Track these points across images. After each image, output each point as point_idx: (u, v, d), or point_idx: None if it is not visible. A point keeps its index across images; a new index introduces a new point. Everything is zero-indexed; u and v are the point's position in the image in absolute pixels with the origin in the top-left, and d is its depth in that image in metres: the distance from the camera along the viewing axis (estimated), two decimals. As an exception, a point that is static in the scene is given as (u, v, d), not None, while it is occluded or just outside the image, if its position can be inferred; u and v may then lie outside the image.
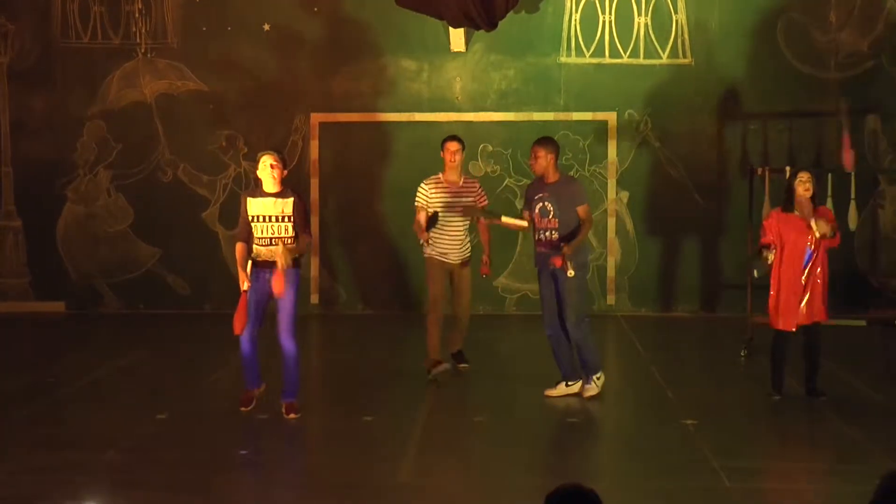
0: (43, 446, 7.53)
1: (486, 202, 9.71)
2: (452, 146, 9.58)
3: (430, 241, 9.47)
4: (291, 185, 8.42)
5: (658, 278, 13.09)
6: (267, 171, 8.03)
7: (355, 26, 13.08)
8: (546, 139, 8.99)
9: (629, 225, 13.06)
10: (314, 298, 13.13)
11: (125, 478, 6.88)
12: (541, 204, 8.70)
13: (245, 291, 8.00)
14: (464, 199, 9.52)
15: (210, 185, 13.14)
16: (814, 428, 8.12)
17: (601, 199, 13.02)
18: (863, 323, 11.87)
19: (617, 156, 12.99)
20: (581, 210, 8.70)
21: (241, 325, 8.03)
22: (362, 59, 13.12)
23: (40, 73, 13.24)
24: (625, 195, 13.04)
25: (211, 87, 13.14)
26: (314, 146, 13.13)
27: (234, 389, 8.37)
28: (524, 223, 8.85)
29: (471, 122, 12.98)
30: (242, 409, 8.21)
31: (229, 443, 7.73)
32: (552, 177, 8.76)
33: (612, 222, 13.03)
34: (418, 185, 9.64)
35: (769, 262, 8.57)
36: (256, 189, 8.16)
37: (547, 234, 8.69)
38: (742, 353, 10.40)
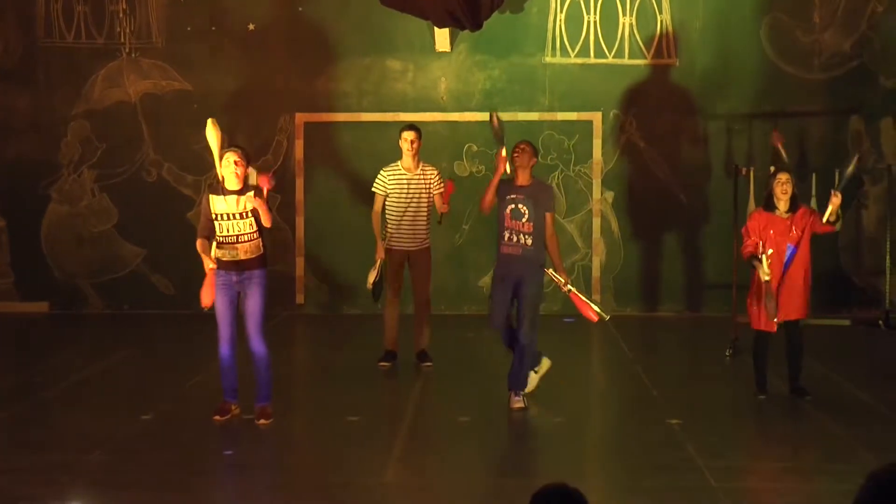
0: (27, 447, 7.50)
1: (441, 189, 9.79)
2: (409, 135, 9.90)
3: (385, 231, 9.87)
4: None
5: (643, 278, 13.11)
6: (230, 168, 7.87)
7: (340, 26, 13.07)
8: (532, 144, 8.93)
9: (614, 225, 13.08)
10: (299, 298, 13.11)
11: (110, 479, 6.86)
12: (513, 206, 8.43)
13: (211, 269, 7.89)
14: (418, 186, 9.81)
15: (195, 184, 13.11)
16: (799, 427, 8.15)
17: (586, 199, 13.05)
18: (847, 322, 11.93)
19: (602, 156, 13.01)
20: (550, 217, 8.52)
21: (208, 297, 7.95)
22: (347, 58, 13.11)
23: (24, 73, 13.19)
24: (610, 195, 13.06)
25: (195, 86, 13.11)
26: (299, 146, 13.12)
27: (220, 390, 8.33)
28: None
29: (456, 123, 12.99)
30: (216, 417, 8.05)
31: (215, 443, 7.72)
32: (527, 179, 8.53)
33: (597, 222, 13.05)
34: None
35: (766, 266, 8.51)
36: (219, 186, 7.98)
37: (518, 237, 8.40)
38: (727, 353, 10.42)
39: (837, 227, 8.77)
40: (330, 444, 7.74)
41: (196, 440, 7.79)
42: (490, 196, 8.55)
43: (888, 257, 11.71)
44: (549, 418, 8.34)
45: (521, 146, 8.62)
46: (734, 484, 6.88)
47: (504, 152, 8.56)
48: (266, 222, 7.92)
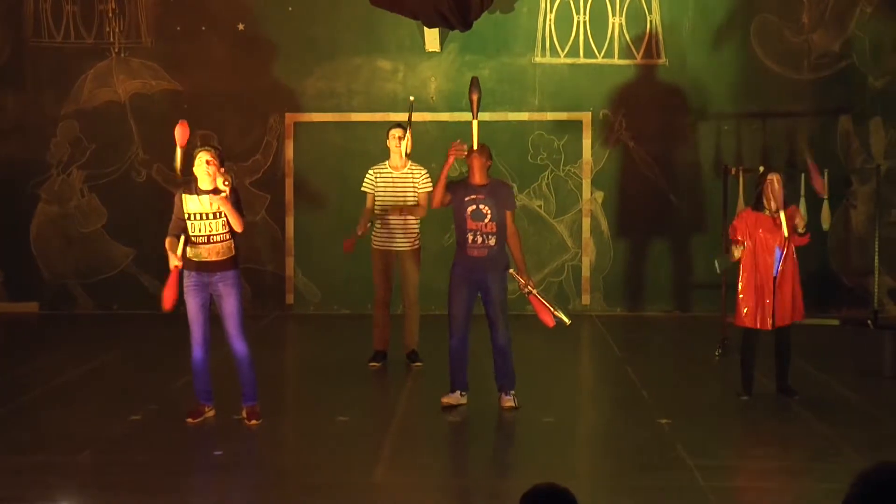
0: (15, 448, 7.48)
1: (428, 188, 9.74)
2: (397, 132, 9.97)
3: (374, 231, 9.90)
4: (234, 184, 8.25)
5: (633, 278, 13.12)
6: (203, 167, 7.82)
7: (330, 26, 13.07)
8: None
9: (604, 225, 13.09)
10: (289, 298, 13.10)
11: (99, 479, 6.85)
12: (474, 206, 8.19)
13: (175, 268, 7.83)
14: (404, 185, 9.84)
15: (184, 184, 13.05)
16: (787, 426, 8.16)
17: (576, 199, 13.06)
18: (836, 322, 11.96)
19: (591, 156, 13.03)
20: (510, 215, 8.31)
21: (170, 300, 7.90)
22: (337, 58, 13.11)
23: (12, 73, 13.15)
24: (599, 195, 13.07)
25: (185, 86, 13.09)
26: (289, 146, 13.10)
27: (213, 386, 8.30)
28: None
29: (446, 123, 12.99)
30: (189, 420, 8.00)
31: (204, 444, 7.71)
32: (484, 179, 8.29)
33: (586, 222, 13.06)
34: None
35: (735, 258, 8.61)
36: (192, 186, 7.91)
37: (481, 238, 8.20)
38: (716, 353, 10.43)
39: (807, 237, 8.75)
40: (319, 444, 7.73)
41: (185, 440, 7.78)
42: (440, 190, 8.29)
43: (877, 257, 11.74)
44: (538, 418, 8.34)
45: (486, 150, 8.44)
46: (723, 483, 6.89)
47: (461, 143, 8.37)
48: (236, 226, 7.79)
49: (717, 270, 9.44)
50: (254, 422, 7.96)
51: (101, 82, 13.15)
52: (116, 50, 13.13)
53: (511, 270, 8.38)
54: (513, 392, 8.37)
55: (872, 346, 9.86)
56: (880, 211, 11.92)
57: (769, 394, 8.85)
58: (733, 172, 11.03)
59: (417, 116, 12.76)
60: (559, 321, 8.33)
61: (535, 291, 8.36)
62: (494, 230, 8.20)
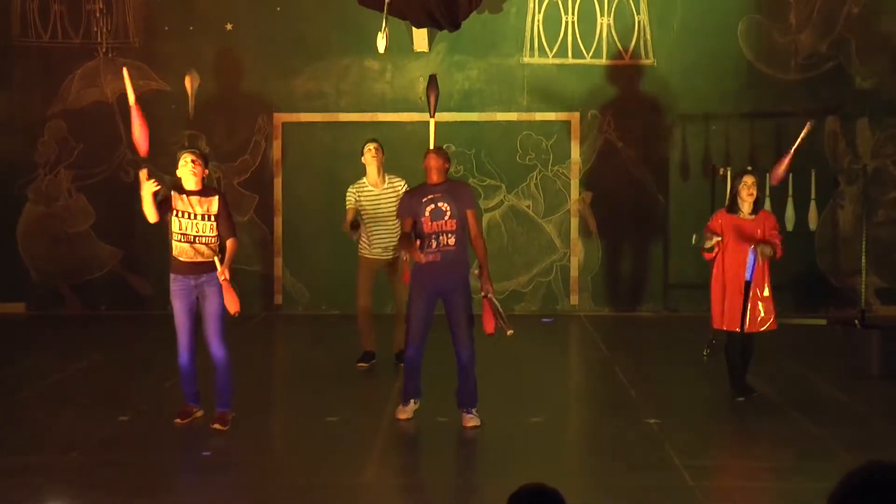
0: (3, 448, 7.46)
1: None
2: (372, 145, 9.93)
3: (362, 241, 9.89)
4: (215, 183, 8.22)
5: (621, 278, 13.14)
6: (188, 168, 7.79)
7: (318, 26, 13.06)
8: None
9: (592, 225, 13.10)
10: (277, 299, 13.09)
11: (87, 480, 6.83)
12: (433, 206, 7.89)
13: (152, 185, 7.67)
14: (387, 200, 9.75)
15: (172, 184, 13.03)
16: (775, 426, 8.18)
17: (564, 199, 13.07)
18: (823, 322, 11.99)
19: (580, 156, 13.04)
20: (472, 214, 7.99)
21: (143, 140, 7.86)
22: (325, 59, 13.10)
23: (-1, 73, 13.13)
24: (588, 195, 13.08)
25: (173, 86, 13.06)
26: (277, 146, 13.09)
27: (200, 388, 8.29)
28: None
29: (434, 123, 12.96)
30: (177, 421, 7.95)
31: (192, 444, 7.69)
32: (441, 178, 7.98)
33: (575, 222, 13.07)
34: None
35: (713, 241, 8.58)
36: (179, 187, 7.88)
37: (441, 238, 7.89)
38: (705, 353, 10.45)
39: (779, 252, 8.69)
40: (308, 445, 7.73)
41: (173, 441, 7.77)
42: (406, 240, 7.91)
43: (864, 257, 11.77)
44: (527, 418, 8.34)
45: (446, 155, 8.19)
46: (711, 483, 6.90)
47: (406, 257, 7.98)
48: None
49: (693, 241, 9.51)
50: (218, 426, 7.79)
51: (88, 82, 13.11)
52: (104, 50, 13.10)
53: (474, 271, 8.19)
54: (475, 410, 8.02)
55: (860, 345, 9.88)
56: (867, 211, 11.97)
57: (758, 394, 8.87)
58: (721, 173, 11.05)
59: (405, 117, 12.81)
60: (501, 331, 7.94)
61: (492, 297, 8.01)
62: (454, 228, 7.89)
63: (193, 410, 8.07)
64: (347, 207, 9.90)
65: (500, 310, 7.97)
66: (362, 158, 9.97)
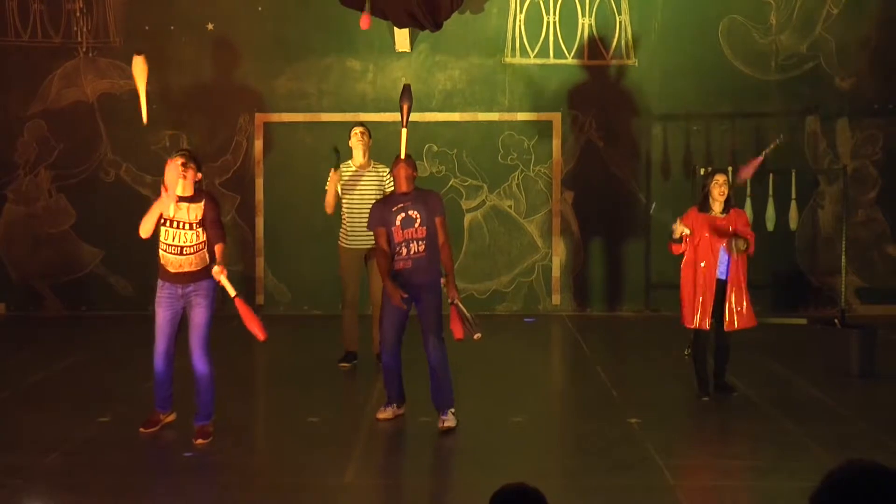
0: (-17, 450, 7.43)
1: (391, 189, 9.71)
2: (358, 129, 10.04)
3: (341, 232, 9.93)
4: (205, 187, 8.06)
5: (603, 278, 13.16)
6: (178, 170, 7.57)
7: (300, 26, 13.04)
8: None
9: (574, 225, 13.12)
10: (259, 299, 13.07)
11: (67, 482, 6.81)
12: (403, 214, 7.93)
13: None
14: (370, 184, 9.83)
15: (153, 185, 12.99)
16: (756, 425, 8.21)
17: (546, 199, 13.09)
18: (803, 321, 12.05)
19: (561, 156, 13.06)
20: (440, 222, 8.01)
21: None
22: (307, 58, 13.08)
23: (-21, 72, 13.06)
24: (570, 195, 13.10)
25: (154, 86, 12.98)
26: (258, 146, 13.07)
27: (178, 392, 8.27)
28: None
29: (416, 123, 12.94)
30: (142, 430, 7.79)
31: (173, 445, 7.66)
32: (410, 187, 8.03)
33: (556, 222, 13.09)
34: None
35: (680, 230, 8.56)
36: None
37: (412, 245, 7.93)
38: (686, 353, 10.46)
39: (752, 248, 8.70)
40: (290, 445, 7.71)
41: (154, 442, 7.74)
42: (383, 259, 8.03)
43: (843, 257, 11.83)
44: (508, 418, 8.35)
45: (405, 158, 8.18)
46: (692, 482, 6.93)
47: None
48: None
49: (652, 210, 9.45)
50: (201, 441, 7.61)
51: (68, 82, 13.06)
52: (84, 49, 13.05)
53: (442, 280, 8.15)
54: (451, 410, 7.99)
55: (840, 344, 9.93)
56: (847, 211, 12.02)
57: (740, 393, 8.90)
58: (702, 173, 11.08)
59: (387, 117, 12.79)
60: (468, 336, 7.90)
61: (459, 303, 7.97)
62: (424, 235, 7.93)
63: (162, 418, 7.92)
64: (326, 188, 9.94)
65: (468, 315, 7.95)
66: (349, 142, 10.04)
